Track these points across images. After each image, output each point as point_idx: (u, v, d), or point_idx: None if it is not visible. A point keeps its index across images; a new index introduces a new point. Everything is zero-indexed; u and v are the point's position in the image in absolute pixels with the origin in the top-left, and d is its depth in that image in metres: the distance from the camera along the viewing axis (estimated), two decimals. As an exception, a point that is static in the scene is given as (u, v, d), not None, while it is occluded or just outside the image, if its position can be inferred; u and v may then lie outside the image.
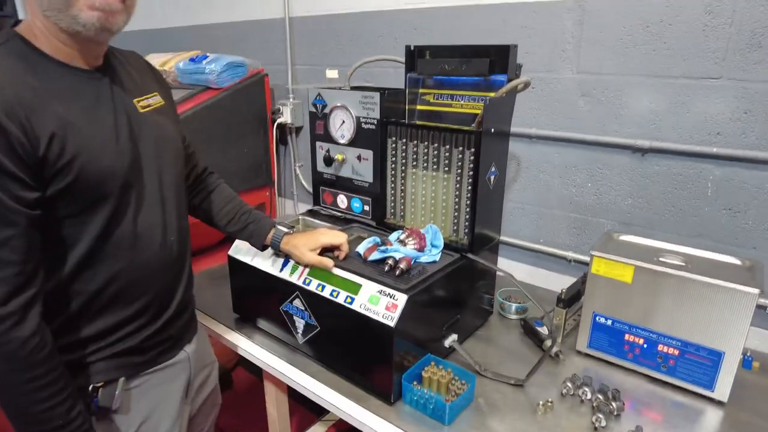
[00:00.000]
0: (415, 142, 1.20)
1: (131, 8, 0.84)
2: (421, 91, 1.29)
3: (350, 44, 1.81)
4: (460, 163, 1.13)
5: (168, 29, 2.50)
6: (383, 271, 1.05)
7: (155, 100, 0.98)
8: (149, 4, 2.50)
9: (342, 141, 1.32)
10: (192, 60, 1.92)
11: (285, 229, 1.15)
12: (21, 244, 0.74)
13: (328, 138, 1.34)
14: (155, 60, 2.14)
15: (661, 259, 1.07)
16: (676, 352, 1.04)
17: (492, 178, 1.15)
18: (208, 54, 1.96)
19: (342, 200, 1.39)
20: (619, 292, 1.08)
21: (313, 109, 1.36)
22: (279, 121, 2.00)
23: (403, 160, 1.23)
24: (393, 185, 1.27)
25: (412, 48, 1.26)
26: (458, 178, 1.14)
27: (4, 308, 0.73)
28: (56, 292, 0.83)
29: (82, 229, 0.83)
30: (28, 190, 0.74)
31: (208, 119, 1.80)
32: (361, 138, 1.28)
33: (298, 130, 2.05)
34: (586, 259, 1.41)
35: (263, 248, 1.17)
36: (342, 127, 1.31)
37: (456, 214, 1.17)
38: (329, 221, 1.36)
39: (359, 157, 1.30)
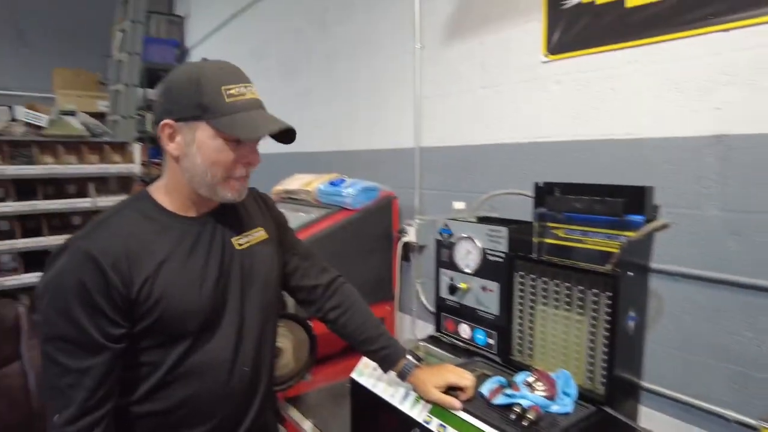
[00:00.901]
0: (545, 278, 1.18)
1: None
2: (550, 225, 1.29)
3: (476, 174, 1.90)
4: (595, 306, 1.08)
5: (313, 153, 2.87)
6: (509, 419, 1.00)
7: (257, 235, 1.05)
8: (299, 132, 2.90)
9: (467, 270, 1.35)
10: (332, 183, 2.16)
11: (415, 361, 1.15)
12: (100, 373, 0.85)
13: (453, 266, 1.38)
14: (299, 180, 2.44)
15: None
16: None
17: (631, 323, 1.08)
18: (345, 178, 2.19)
19: (465, 330, 1.38)
20: (803, 479, 0.90)
21: (440, 238, 1.42)
22: (404, 239, 2.10)
23: (532, 296, 1.21)
24: (520, 321, 1.24)
25: (541, 185, 1.29)
26: (593, 321, 1.09)
27: (72, 426, 0.83)
28: (129, 410, 0.91)
29: (163, 358, 0.92)
30: (118, 327, 0.86)
31: (341, 236, 1.97)
32: (486, 269, 1.30)
33: (421, 248, 2.13)
34: (752, 422, 1.20)
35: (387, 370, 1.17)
36: (467, 257, 1.35)
37: (591, 359, 1.10)
38: (450, 351, 1.35)
39: (484, 288, 1.31)
